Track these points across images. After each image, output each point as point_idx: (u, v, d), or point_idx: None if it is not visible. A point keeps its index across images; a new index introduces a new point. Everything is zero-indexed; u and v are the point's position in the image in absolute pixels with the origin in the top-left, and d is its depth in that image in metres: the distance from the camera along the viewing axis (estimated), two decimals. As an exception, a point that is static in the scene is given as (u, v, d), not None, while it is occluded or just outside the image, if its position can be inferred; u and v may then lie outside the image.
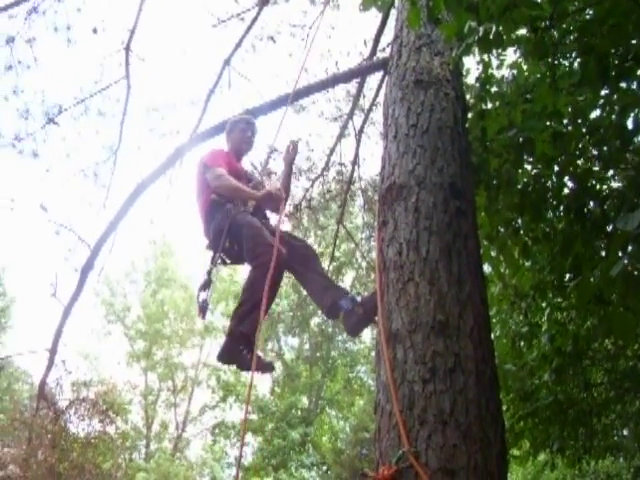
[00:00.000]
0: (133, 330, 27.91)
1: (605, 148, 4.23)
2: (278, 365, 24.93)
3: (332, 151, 9.41)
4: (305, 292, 4.98)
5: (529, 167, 4.60)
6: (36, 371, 20.34)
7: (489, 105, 4.68)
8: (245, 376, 22.12)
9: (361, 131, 8.75)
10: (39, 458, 12.59)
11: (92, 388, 15.52)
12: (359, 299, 4.12)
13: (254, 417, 22.78)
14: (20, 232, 30.34)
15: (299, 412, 22.84)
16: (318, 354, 23.55)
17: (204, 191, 4.71)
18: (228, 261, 4.65)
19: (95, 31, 8.41)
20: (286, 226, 9.23)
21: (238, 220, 4.44)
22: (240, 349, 4.12)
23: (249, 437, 23.38)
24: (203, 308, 4.51)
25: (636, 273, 3.25)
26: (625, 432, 7.08)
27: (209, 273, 4.58)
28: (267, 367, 4.30)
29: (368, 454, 17.94)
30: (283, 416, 22.05)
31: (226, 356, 4.25)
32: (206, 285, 4.56)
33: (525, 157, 4.40)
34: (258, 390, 23.86)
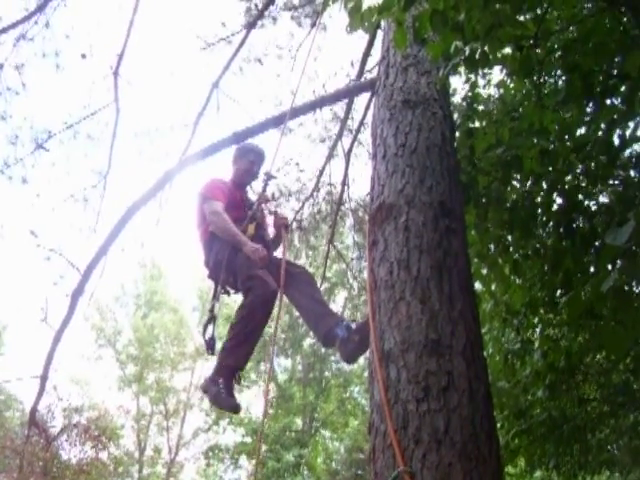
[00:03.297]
0: (124, 354, 27.76)
1: (592, 164, 4.26)
2: (272, 387, 24.81)
3: (321, 172, 9.46)
4: (299, 315, 4.92)
5: (517, 184, 4.62)
6: (27, 398, 20.15)
7: (477, 123, 4.72)
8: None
9: (350, 152, 8.80)
10: (31, 486, 12.47)
11: (84, 414, 15.40)
12: (354, 326, 4.11)
13: (248, 440, 22.59)
14: (10, 258, 30.10)
15: (293, 434, 22.67)
16: (311, 375, 23.45)
17: (203, 221, 4.71)
18: (232, 291, 4.65)
19: (84, 56, 8.47)
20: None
21: (234, 251, 4.42)
22: (218, 383, 4.10)
23: (242, 460, 23.20)
24: (210, 345, 4.45)
25: (626, 288, 3.26)
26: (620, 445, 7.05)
27: (212, 310, 4.53)
28: (234, 406, 4.19)
29: (363, 475, 17.82)
30: (277, 438, 21.87)
31: (205, 387, 4.24)
32: (210, 321, 4.51)
33: (513, 174, 4.42)
34: (252, 412, 23.72)
